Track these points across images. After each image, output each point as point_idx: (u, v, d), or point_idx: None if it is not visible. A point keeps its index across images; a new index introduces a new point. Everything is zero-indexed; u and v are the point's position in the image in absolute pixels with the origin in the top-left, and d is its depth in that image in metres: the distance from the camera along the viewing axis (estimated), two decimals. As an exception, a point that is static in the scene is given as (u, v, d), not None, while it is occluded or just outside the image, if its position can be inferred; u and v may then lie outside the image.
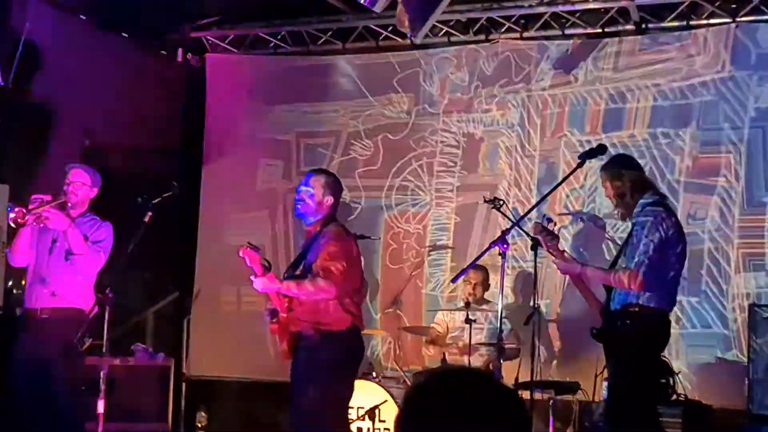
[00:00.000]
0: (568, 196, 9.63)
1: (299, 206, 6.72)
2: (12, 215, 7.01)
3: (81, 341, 7.05)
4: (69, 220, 7.17)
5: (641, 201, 6.75)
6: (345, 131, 10.66)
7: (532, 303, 7.95)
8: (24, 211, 7.00)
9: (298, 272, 6.66)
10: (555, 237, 7.12)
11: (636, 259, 6.57)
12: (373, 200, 10.47)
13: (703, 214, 9.21)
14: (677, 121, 9.42)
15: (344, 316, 6.62)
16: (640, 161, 9.24)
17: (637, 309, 6.63)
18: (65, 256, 7.23)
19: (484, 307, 9.01)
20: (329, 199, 6.71)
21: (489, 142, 10.10)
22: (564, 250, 7.18)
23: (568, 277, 8.16)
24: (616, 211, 7.05)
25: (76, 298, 7.27)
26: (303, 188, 6.71)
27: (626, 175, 6.83)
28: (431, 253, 10.18)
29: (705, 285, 9.12)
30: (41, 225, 7.19)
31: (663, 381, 7.46)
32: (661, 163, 9.35)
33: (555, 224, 7.61)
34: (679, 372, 8.27)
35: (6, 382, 7.35)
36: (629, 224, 6.90)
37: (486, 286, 9.20)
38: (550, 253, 7.08)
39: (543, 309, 9.28)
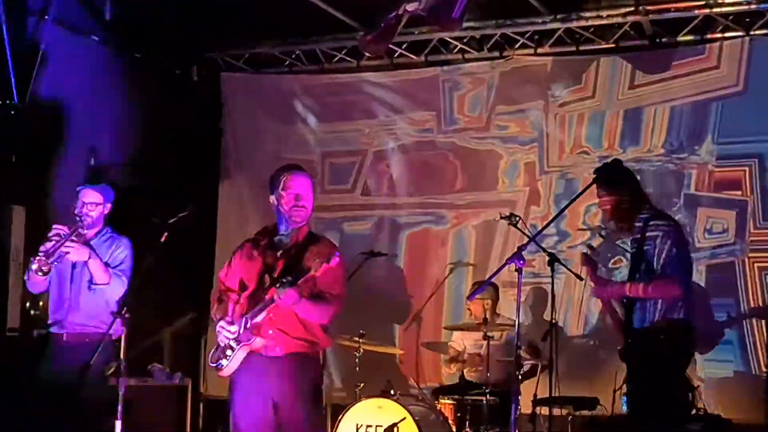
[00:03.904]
0: (587, 212, 9.60)
1: (302, 213, 6.10)
2: (34, 267, 6.96)
3: (107, 366, 6.99)
4: (88, 250, 7.12)
5: (642, 215, 6.53)
6: (370, 150, 10.70)
7: (549, 319, 7.95)
8: (44, 258, 6.96)
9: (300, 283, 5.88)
10: (596, 265, 6.99)
11: (670, 267, 6.33)
12: (395, 218, 10.52)
13: (719, 228, 9.19)
14: (693, 136, 9.41)
15: (326, 335, 6.20)
16: (656, 175, 9.31)
17: (665, 324, 6.37)
18: (88, 285, 7.21)
19: (499, 321, 8.94)
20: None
21: (508, 159, 10.11)
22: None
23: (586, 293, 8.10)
24: (610, 223, 6.82)
25: (100, 323, 7.22)
26: (304, 192, 6.11)
27: (626, 187, 6.62)
28: (452, 270, 10.18)
29: (722, 299, 9.10)
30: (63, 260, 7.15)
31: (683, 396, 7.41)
32: (678, 177, 9.35)
33: (594, 249, 7.46)
34: (698, 387, 8.24)
35: (28, 405, 7.33)
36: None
37: (497, 302, 9.18)
38: (592, 280, 6.87)
39: (560, 325, 9.26)
